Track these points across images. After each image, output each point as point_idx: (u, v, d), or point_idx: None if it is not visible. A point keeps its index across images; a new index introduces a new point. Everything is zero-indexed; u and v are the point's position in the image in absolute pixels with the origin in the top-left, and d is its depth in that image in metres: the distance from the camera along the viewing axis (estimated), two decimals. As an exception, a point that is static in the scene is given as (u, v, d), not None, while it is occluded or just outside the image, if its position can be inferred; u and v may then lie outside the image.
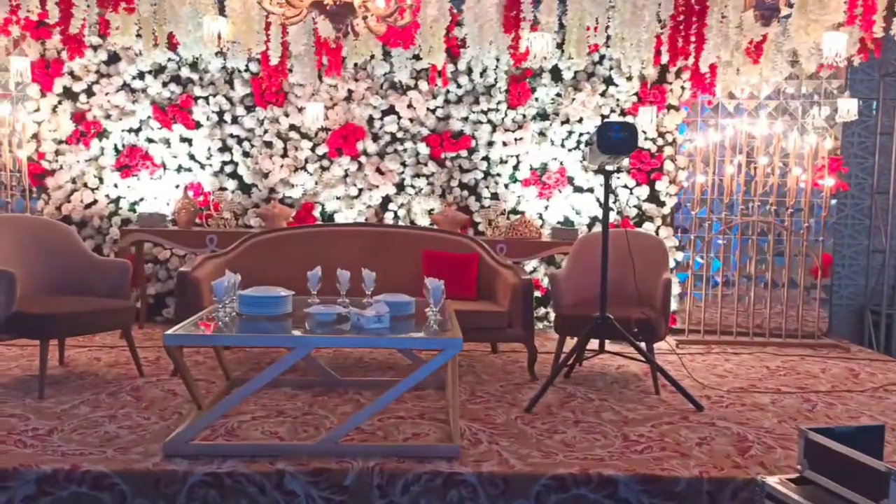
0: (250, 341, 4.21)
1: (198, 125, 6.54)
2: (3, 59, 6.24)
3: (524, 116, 6.63)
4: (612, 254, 4.52)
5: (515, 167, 6.62)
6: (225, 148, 6.57)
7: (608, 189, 4.43)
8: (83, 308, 4.46)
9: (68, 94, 6.47)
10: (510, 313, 4.93)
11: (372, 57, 6.34)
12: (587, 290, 5.08)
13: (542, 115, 6.64)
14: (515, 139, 6.58)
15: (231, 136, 6.56)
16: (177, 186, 6.47)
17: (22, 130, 6.36)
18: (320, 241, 5.55)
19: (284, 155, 6.59)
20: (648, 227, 6.64)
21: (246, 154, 6.58)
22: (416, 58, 6.45)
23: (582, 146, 6.60)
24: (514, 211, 6.65)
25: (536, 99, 6.61)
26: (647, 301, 4.87)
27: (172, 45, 5.82)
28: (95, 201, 6.52)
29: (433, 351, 3.86)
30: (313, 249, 5.37)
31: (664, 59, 5.39)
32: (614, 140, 4.17)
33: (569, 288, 5.22)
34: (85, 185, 6.50)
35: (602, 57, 6.55)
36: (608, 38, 5.50)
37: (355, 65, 6.48)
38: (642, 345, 4.56)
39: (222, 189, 6.56)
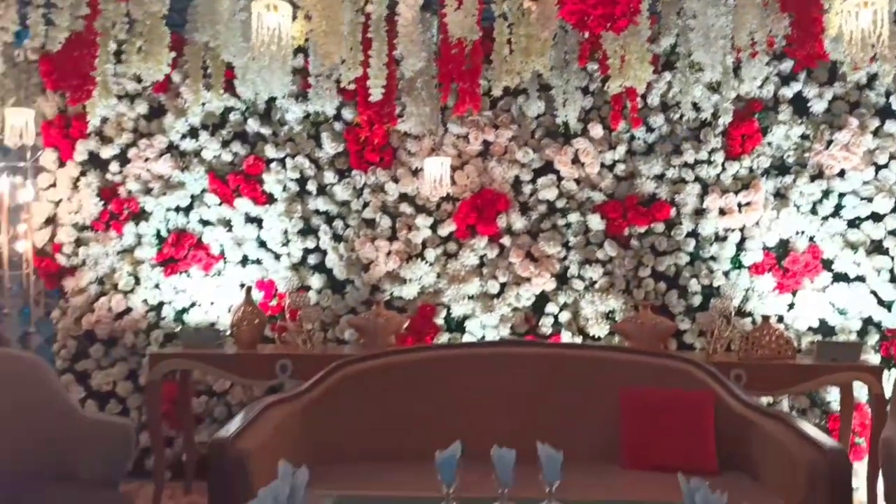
0: None
1: (270, 199, 4.57)
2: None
3: (752, 170, 4.36)
4: None
5: (740, 246, 4.32)
6: (308, 230, 4.56)
7: None
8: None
9: (95, 161, 4.63)
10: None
11: (520, 92, 4.29)
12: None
13: (781, 168, 4.36)
14: (739, 205, 4.32)
15: (317, 212, 4.56)
16: (241, 286, 4.45)
17: (27, 213, 4.52)
18: (446, 373, 3.55)
19: (393, 237, 4.52)
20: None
21: (338, 238, 4.54)
22: (585, 91, 4.33)
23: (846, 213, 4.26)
24: (742, 312, 4.31)
25: (770, 144, 4.35)
26: None
27: (228, 85, 3.86)
28: (129, 309, 4.57)
29: None
30: (438, 389, 3.50)
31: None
32: None
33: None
34: (115, 286, 4.57)
35: (872, 77, 4.25)
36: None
37: (493, 102, 4.42)
38: None
39: (304, 288, 4.51)
